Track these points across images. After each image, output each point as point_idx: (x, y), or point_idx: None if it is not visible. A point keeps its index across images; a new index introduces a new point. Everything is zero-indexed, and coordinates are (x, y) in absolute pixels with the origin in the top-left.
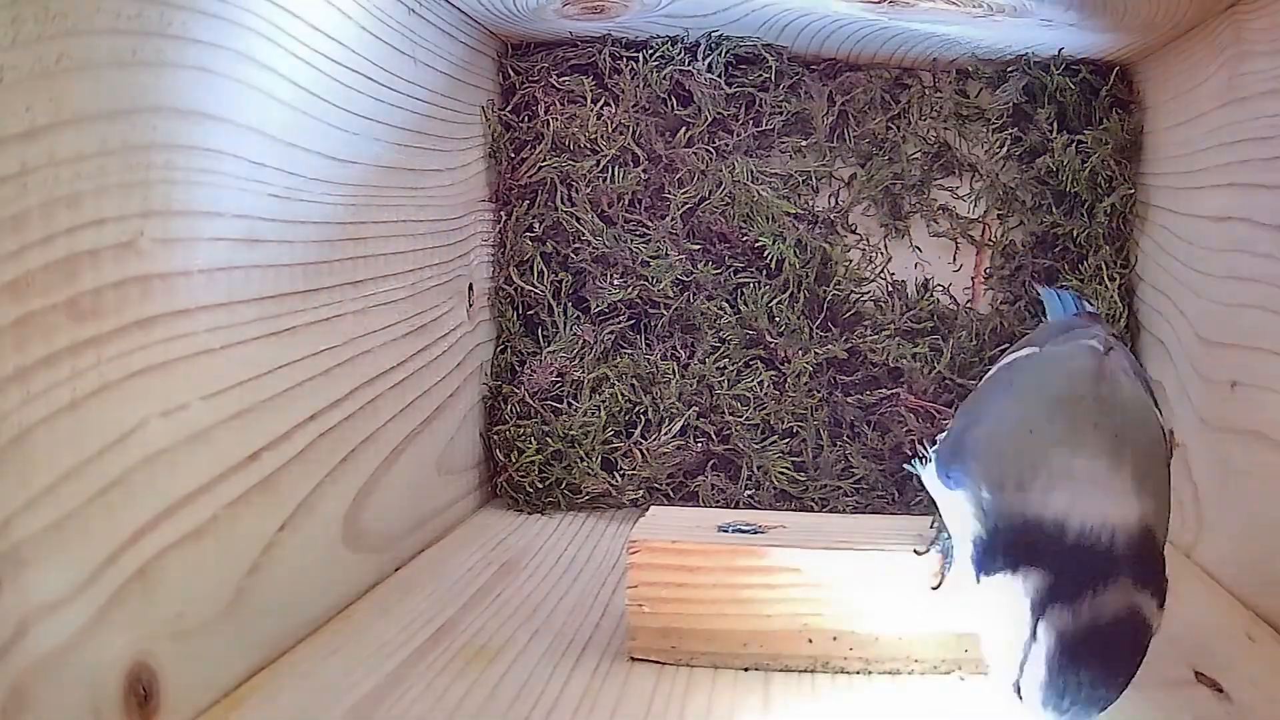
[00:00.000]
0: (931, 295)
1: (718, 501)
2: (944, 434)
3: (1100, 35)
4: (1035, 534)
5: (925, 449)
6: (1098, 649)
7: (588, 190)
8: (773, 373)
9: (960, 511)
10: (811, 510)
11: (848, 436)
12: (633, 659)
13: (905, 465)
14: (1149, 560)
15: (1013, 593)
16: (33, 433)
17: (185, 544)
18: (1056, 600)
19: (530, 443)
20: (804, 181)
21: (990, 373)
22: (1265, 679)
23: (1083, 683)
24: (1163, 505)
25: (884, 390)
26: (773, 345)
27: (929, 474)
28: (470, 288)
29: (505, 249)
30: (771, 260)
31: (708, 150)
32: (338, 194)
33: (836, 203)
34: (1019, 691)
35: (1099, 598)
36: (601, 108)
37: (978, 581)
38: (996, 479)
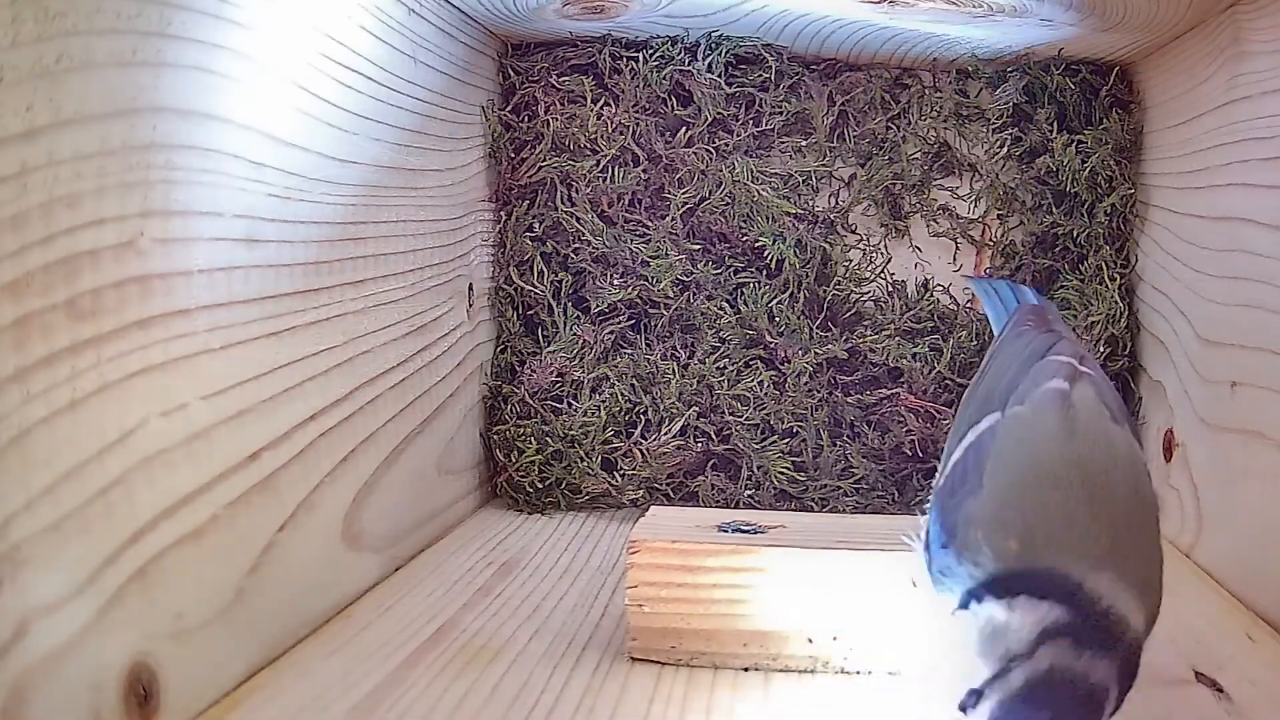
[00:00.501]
0: (931, 295)
1: (718, 501)
2: (927, 522)
3: (1100, 35)
4: (1044, 578)
5: (913, 539)
6: (1052, 701)
7: (588, 190)
8: (773, 373)
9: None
10: (811, 510)
11: (848, 436)
12: (633, 659)
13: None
14: (1130, 660)
15: (998, 622)
16: (33, 433)
17: (185, 544)
18: (1055, 636)
19: (530, 443)
20: (804, 181)
21: (957, 445)
22: (1265, 679)
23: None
24: (1148, 598)
25: (884, 390)
26: (773, 345)
27: (921, 567)
28: (470, 288)
29: (505, 249)
30: (771, 260)
31: (708, 150)
32: (338, 194)
33: (836, 203)
34: (966, 709)
35: (1087, 660)
36: (601, 108)
37: (958, 609)
38: (994, 550)
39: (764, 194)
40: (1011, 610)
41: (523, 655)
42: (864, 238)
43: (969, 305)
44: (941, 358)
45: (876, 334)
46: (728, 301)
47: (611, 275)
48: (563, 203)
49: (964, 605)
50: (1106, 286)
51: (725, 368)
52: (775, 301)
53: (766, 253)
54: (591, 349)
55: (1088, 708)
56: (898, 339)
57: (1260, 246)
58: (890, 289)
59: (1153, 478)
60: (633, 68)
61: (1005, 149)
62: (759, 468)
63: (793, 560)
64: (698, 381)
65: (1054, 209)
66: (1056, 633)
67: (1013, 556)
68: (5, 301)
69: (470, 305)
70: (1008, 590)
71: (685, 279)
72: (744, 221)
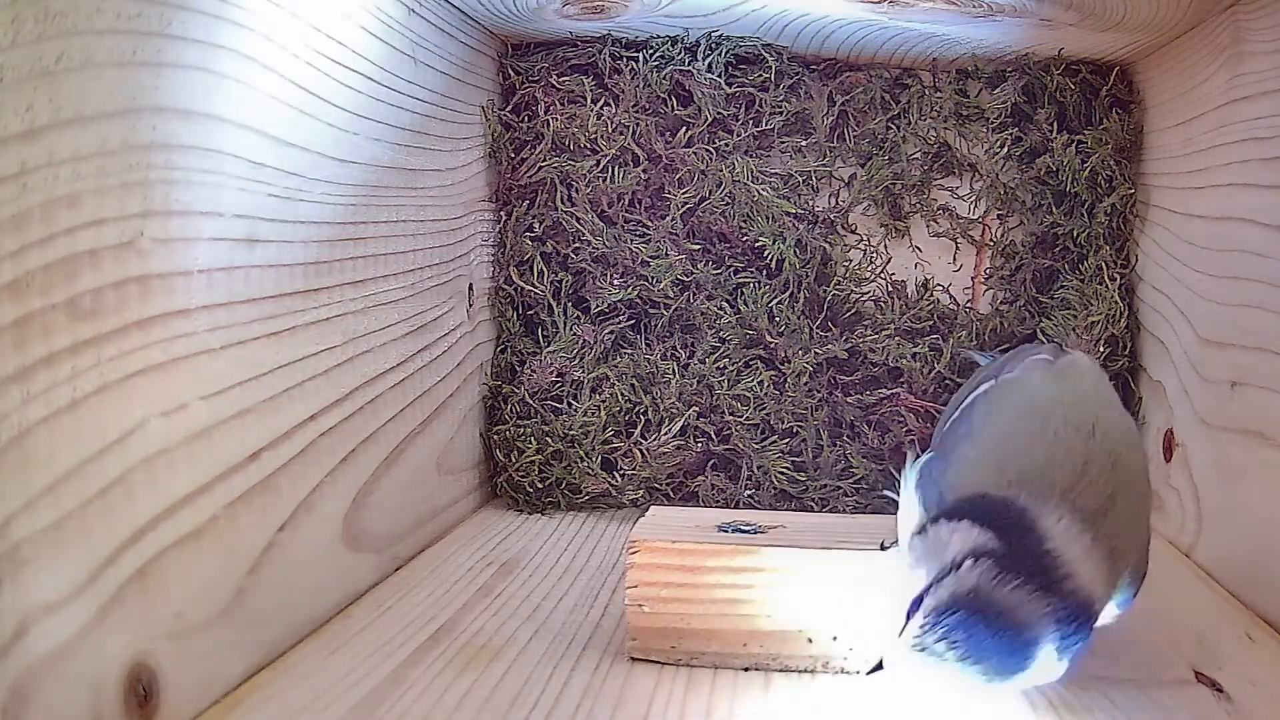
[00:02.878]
0: (931, 295)
1: (718, 501)
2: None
3: (1100, 35)
4: (995, 505)
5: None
6: (970, 623)
7: (588, 190)
8: (773, 373)
9: (916, 498)
10: (811, 510)
11: (848, 436)
12: (633, 659)
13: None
14: (1073, 614)
15: (941, 540)
16: (33, 433)
17: (185, 544)
18: (981, 557)
19: (530, 443)
20: (804, 181)
21: (947, 422)
22: (1265, 679)
23: (948, 636)
24: (1121, 565)
25: (884, 390)
26: (773, 345)
27: (912, 475)
28: (470, 288)
29: (505, 249)
30: (771, 260)
31: (708, 150)
32: (338, 194)
33: (836, 203)
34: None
35: (1013, 592)
36: (601, 108)
37: (918, 534)
38: (976, 476)
39: (764, 194)
40: (955, 531)
41: (523, 655)
42: (864, 238)
43: (969, 305)
44: (941, 358)
45: (876, 334)
46: (728, 301)
47: (611, 275)
48: (563, 203)
49: (921, 531)
50: (1106, 286)
51: (725, 368)
52: (775, 301)
53: (766, 253)
54: (591, 349)
55: (1009, 644)
56: (898, 339)
57: (1260, 246)
58: (890, 289)
59: (1153, 478)
60: (633, 68)
61: (1005, 149)
62: (759, 468)
63: (793, 560)
64: (698, 381)
65: (1054, 209)
66: (984, 554)
67: (972, 485)
68: (5, 301)
69: (470, 305)
70: (958, 513)
71: (685, 279)
72: (744, 221)
